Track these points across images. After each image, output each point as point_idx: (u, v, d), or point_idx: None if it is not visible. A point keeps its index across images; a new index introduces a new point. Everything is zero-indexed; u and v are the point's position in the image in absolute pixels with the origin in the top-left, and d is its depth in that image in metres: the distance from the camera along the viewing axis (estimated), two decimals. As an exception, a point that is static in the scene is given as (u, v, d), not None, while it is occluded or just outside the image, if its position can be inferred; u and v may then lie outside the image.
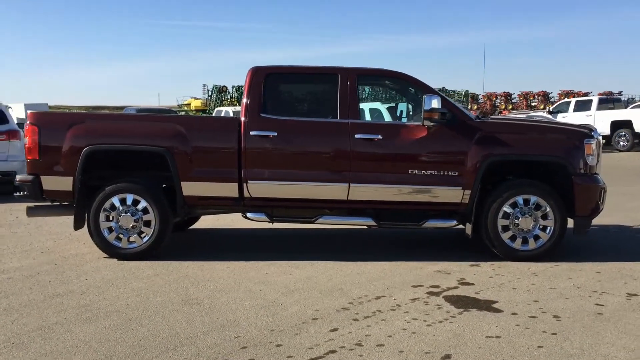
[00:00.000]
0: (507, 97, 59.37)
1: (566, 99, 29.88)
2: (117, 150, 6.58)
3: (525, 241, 6.48)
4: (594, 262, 6.43)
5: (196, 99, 57.94)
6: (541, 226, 6.47)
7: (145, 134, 6.55)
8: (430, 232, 8.08)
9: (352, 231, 8.22)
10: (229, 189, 6.53)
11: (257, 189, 6.51)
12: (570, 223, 6.55)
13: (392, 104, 10.94)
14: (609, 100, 26.50)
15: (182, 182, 6.48)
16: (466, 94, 57.55)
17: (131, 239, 6.54)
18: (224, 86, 53.31)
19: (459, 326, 4.52)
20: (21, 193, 6.69)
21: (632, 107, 25.99)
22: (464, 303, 5.09)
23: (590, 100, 25.72)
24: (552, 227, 6.43)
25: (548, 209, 6.41)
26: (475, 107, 56.76)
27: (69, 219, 6.67)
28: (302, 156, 6.54)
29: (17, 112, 25.85)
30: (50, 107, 51.56)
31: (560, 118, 24.52)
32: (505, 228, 6.47)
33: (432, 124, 6.37)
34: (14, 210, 9.94)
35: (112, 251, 6.56)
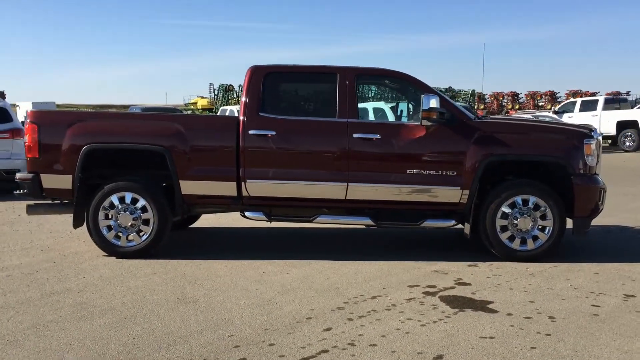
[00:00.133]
0: (514, 96, 59.21)
1: (572, 99, 29.77)
2: (116, 148, 6.60)
3: (523, 241, 6.46)
4: (592, 263, 6.40)
5: (203, 97, 58.11)
6: (540, 226, 6.44)
7: (144, 133, 6.56)
8: (430, 232, 8.07)
9: (351, 231, 8.22)
10: (227, 188, 6.54)
11: (256, 188, 6.51)
12: (570, 223, 6.53)
13: (394, 104, 10.92)
14: (615, 101, 26.37)
15: (180, 181, 6.49)
16: (473, 93, 57.43)
17: (130, 237, 6.56)
18: (231, 85, 53.45)
19: (453, 326, 4.52)
20: (21, 191, 6.73)
21: (638, 107, 25.88)
22: (459, 303, 5.08)
23: (596, 100, 25.59)
24: (551, 228, 6.41)
25: (547, 210, 6.39)
26: (482, 106, 56.65)
27: (71, 217, 6.69)
28: (300, 155, 6.53)
29: (25, 111, 25.96)
30: (57, 105, 51.86)
31: (566, 118, 24.43)
32: (504, 228, 6.46)
33: (430, 123, 6.36)
34: (17, 208, 9.99)
35: (111, 249, 6.58)
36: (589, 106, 25.23)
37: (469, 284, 5.65)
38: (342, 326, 4.52)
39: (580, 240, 7.32)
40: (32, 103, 43.57)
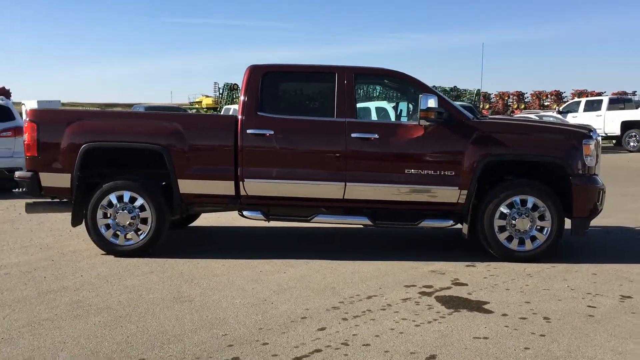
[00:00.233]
0: (520, 96, 59.10)
1: (576, 99, 29.69)
2: (114, 147, 6.61)
3: (522, 242, 6.44)
4: (591, 264, 6.38)
5: (207, 96, 58.27)
6: (538, 227, 6.42)
7: (142, 132, 6.57)
8: (429, 232, 8.06)
9: (350, 230, 8.21)
10: (225, 187, 6.55)
11: (254, 187, 6.52)
12: (569, 224, 6.51)
13: (395, 103, 10.90)
14: (619, 101, 26.26)
15: (178, 180, 6.50)
16: (478, 92, 57.32)
17: (128, 236, 6.58)
18: (235, 84, 53.50)
19: (447, 327, 4.51)
20: (20, 189, 6.75)
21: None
22: (455, 303, 5.08)
23: (601, 100, 25.51)
24: (549, 228, 6.39)
25: (545, 210, 6.37)
26: (487, 106, 56.56)
27: (70, 216, 6.71)
28: (298, 155, 6.53)
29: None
30: (63, 104, 51.97)
31: (570, 118, 24.36)
32: (502, 228, 6.44)
33: (428, 123, 6.35)
34: (18, 206, 10.00)
35: (109, 248, 6.60)
36: (593, 106, 25.14)
37: (466, 284, 5.64)
38: (337, 326, 4.52)
39: (580, 240, 7.30)
40: (38, 101, 43.67)
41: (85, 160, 6.49)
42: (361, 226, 7.45)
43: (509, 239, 6.45)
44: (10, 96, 34.07)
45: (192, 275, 5.91)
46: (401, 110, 8.14)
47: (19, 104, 44.85)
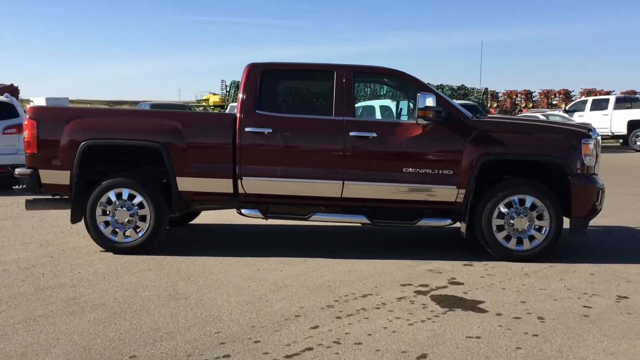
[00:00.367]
0: (528, 95, 58.82)
1: (583, 98, 29.54)
2: (113, 145, 6.64)
3: (520, 241, 6.43)
4: (589, 264, 6.36)
5: (214, 94, 58.31)
6: (536, 226, 6.41)
7: (141, 130, 6.60)
8: (428, 231, 8.05)
9: (349, 229, 8.21)
10: (223, 185, 6.56)
11: (252, 185, 6.53)
12: (568, 223, 6.48)
13: (398, 102, 10.90)
14: (626, 100, 26.09)
15: (177, 178, 6.52)
16: (485, 91, 57.09)
17: (127, 233, 6.61)
18: (242, 82, 53.45)
19: (440, 326, 4.51)
20: (20, 186, 6.79)
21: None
22: (450, 303, 5.07)
23: (607, 100, 25.37)
24: (548, 228, 6.37)
25: (544, 209, 6.35)
26: (495, 104, 56.36)
27: (73, 213, 6.74)
28: (296, 153, 6.54)
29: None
30: (71, 101, 52.18)
31: (577, 117, 24.26)
32: (500, 228, 6.43)
33: (426, 122, 6.34)
34: (21, 203, 10.03)
35: (108, 245, 6.63)
36: (600, 105, 25.01)
37: (462, 284, 5.63)
38: (330, 324, 4.52)
39: (579, 240, 7.28)
40: (46, 98, 43.87)
41: (85, 157, 6.52)
42: (359, 225, 7.44)
43: (507, 238, 6.43)
44: (19, 93, 34.13)
45: (189, 272, 5.93)
46: (401, 109, 8.14)
47: (28, 101, 45.11)
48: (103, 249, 6.67)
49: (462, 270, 6.13)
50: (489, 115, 8.61)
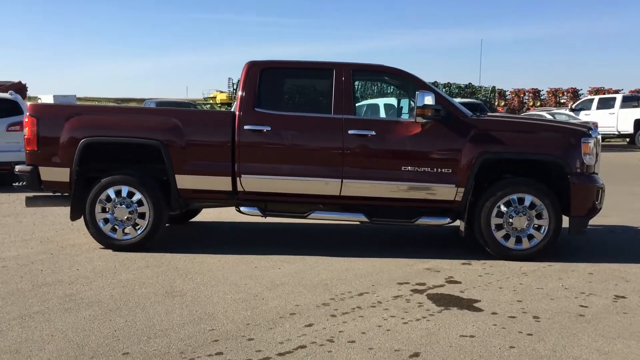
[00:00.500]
0: (535, 93, 58.57)
1: (589, 97, 29.40)
2: (113, 142, 6.65)
3: (519, 240, 6.41)
4: (588, 263, 6.33)
5: (221, 92, 58.30)
6: (535, 225, 6.39)
7: (140, 127, 6.61)
8: (427, 229, 8.04)
9: (349, 227, 8.20)
10: (222, 183, 6.57)
11: (250, 183, 6.53)
12: (567, 222, 6.46)
13: (401, 99, 10.88)
14: (633, 98, 25.96)
15: (176, 175, 6.53)
16: (493, 89, 56.88)
17: (126, 230, 6.63)
18: (249, 80, 53.41)
19: (435, 324, 4.50)
20: (20, 183, 6.82)
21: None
22: (446, 301, 5.06)
23: (614, 98, 25.24)
24: (547, 227, 6.35)
25: (543, 209, 6.33)
26: (503, 103, 56.15)
27: (76, 210, 6.76)
28: (295, 151, 6.53)
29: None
30: (79, 98, 52.33)
31: (583, 116, 24.16)
32: (499, 227, 6.41)
33: (425, 120, 6.32)
34: (24, 200, 10.08)
35: (107, 242, 6.65)
36: (606, 104, 24.90)
37: (459, 282, 5.62)
38: (324, 322, 4.52)
39: (579, 239, 7.24)
40: (54, 96, 44.04)
41: (84, 154, 6.54)
42: (358, 223, 7.43)
43: (506, 237, 6.41)
44: (27, 91, 34.23)
45: (187, 270, 5.94)
46: (402, 107, 8.12)
47: (36, 98, 45.27)
48: (102, 246, 6.69)
49: (460, 269, 6.11)
50: (489, 114, 8.57)
